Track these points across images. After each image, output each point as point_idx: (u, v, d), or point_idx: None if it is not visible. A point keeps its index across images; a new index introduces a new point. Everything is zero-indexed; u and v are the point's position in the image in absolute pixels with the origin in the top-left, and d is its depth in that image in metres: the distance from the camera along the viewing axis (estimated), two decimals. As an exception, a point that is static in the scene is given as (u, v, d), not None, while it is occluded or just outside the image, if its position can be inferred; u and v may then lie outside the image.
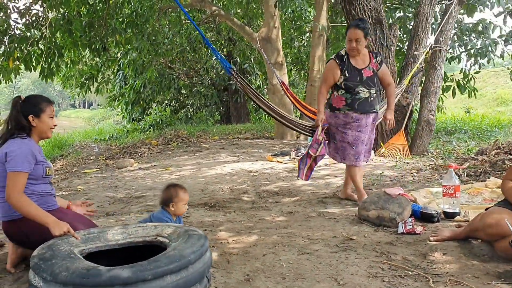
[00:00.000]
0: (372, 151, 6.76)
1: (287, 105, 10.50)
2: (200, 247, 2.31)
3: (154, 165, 7.58)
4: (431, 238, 3.00)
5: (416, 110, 7.58)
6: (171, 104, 18.66)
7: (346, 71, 3.95)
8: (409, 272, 2.50)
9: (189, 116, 18.00)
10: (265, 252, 2.91)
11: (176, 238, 2.47)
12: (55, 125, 2.78)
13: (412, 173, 5.34)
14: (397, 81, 6.77)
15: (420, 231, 3.18)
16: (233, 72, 4.16)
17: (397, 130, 7.17)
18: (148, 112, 17.67)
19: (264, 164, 6.84)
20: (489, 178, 4.52)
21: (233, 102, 17.41)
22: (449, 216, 3.55)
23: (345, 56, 3.99)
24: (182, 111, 18.04)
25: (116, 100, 17.58)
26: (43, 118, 2.71)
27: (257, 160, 7.21)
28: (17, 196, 2.50)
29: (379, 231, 3.33)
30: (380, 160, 6.47)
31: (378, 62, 4.06)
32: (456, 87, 9.33)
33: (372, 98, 4.01)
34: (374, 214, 3.47)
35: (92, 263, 2.22)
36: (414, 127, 7.27)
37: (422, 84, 7.27)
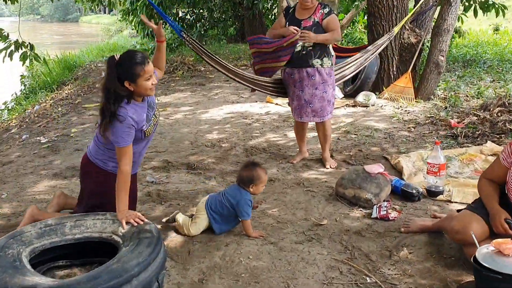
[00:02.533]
0: (374, 95, 6.46)
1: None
2: (147, 256, 2.25)
3: (153, 103, 7.43)
4: (402, 230, 2.89)
5: (427, 47, 7.08)
6: (186, 18, 17.98)
7: (287, 23, 3.93)
8: (367, 278, 2.43)
9: (202, 33, 17.40)
10: (229, 241, 2.86)
11: (128, 240, 2.42)
12: (154, 84, 2.70)
13: (409, 128, 5.10)
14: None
15: (394, 217, 3.06)
16: (184, 35, 3.86)
17: (404, 71, 6.78)
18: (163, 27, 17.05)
19: (263, 107, 6.63)
20: (486, 142, 4.27)
21: (248, 18, 16.67)
22: (432, 194, 3.41)
23: (292, 8, 4.00)
24: (194, 29, 17.40)
25: (130, 14, 17.01)
26: (140, 82, 2.62)
27: (256, 102, 6.99)
28: (129, 169, 2.63)
29: (353, 212, 3.23)
30: (381, 106, 6.19)
31: (325, 12, 3.86)
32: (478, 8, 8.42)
33: (304, 52, 3.88)
34: (350, 192, 3.34)
35: (35, 273, 2.21)
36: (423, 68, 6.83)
37: (434, 21, 6.71)
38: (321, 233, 2.93)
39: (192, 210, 3.24)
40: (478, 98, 6.42)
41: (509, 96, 4.92)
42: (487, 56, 10.32)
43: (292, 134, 5.18)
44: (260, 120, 5.91)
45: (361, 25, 14.67)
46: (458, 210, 2.67)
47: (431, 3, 7.10)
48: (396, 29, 5.87)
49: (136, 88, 2.60)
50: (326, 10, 3.86)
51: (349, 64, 4.78)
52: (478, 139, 4.40)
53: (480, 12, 8.23)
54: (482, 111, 4.91)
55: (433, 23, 6.88)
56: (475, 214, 2.43)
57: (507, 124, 4.34)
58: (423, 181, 3.70)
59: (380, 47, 5.36)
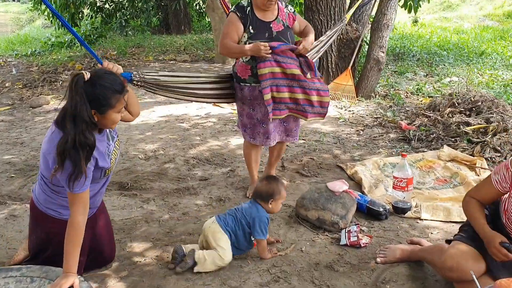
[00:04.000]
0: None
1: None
2: None
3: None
4: (379, 260, 2.56)
5: (366, 43, 6.92)
6: (105, 8, 16.76)
7: (250, 27, 3.05)
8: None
9: (123, 24, 16.34)
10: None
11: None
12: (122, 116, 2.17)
13: (358, 131, 4.84)
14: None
15: (366, 243, 2.73)
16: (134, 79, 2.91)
17: (344, 68, 6.55)
18: (79, 17, 15.78)
19: (200, 108, 6.11)
20: (442, 146, 4.10)
21: (172, 8, 15.87)
22: (399, 211, 3.12)
23: (248, 7, 3.07)
24: (115, 20, 16.28)
25: (41, 3, 15.49)
26: (110, 114, 2.03)
27: (192, 102, 6.43)
28: (82, 220, 2.06)
29: (319, 238, 2.86)
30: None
31: (291, 12, 3.22)
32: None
33: None
34: (314, 215, 2.97)
35: None
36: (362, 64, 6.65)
37: (374, 16, 6.54)
38: (287, 269, 2.53)
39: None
40: (418, 95, 6.37)
41: (455, 95, 4.81)
42: (415, 49, 10.50)
43: (236, 141, 4.74)
44: (199, 124, 5.40)
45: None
46: (447, 241, 2.37)
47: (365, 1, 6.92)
48: (348, 16, 5.54)
49: (102, 120, 2.04)
50: (291, 9, 3.24)
51: None
52: (433, 143, 4.22)
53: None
54: (431, 111, 4.76)
55: (371, 18, 6.73)
56: (470, 247, 2.13)
57: (461, 126, 4.19)
58: (385, 194, 3.43)
59: (333, 36, 4.97)
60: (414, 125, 4.62)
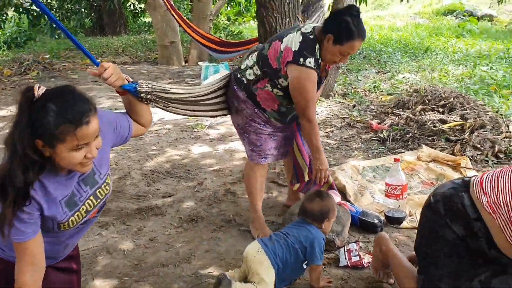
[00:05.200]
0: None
1: (172, 25, 8.97)
2: None
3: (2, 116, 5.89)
4: (391, 281, 2.25)
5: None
6: (31, 10, 15.55)
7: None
8: None
9: (54, 26, 15.21)
10: None
11: None
12: (90, 158, 1.49)
13: (327, 133, 4.56)
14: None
15: (368, 263, 2.42)
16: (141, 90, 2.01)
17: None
18: (4, 19, 14.49)
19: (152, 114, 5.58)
20: (420, 146, 3.89)
21: (105, 8, 14.99)
22: (395, 221, 2.84)
23: (320, 60, 2.43)
24: (43, 21, 15.12)
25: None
26: (61, 150, 1.44)
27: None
28: (28, 280, 1.51)
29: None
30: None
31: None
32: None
33: None
34: (306, 233, 2.61)
35: None
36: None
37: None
38: (288, 301, 2.17)
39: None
40: (376, 92, 6.22)
41: (423, 92, 4.65)
42: (362, 48, 10.50)
43: (198, 149, 4.31)
44: (153, 131, 4.89)
45: (224, 17, 14.15)
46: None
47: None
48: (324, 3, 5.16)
49: (55, 157, 1.46)
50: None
51: None
52: (409, 142, 4.01)
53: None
54: (400, 109, 4.57)
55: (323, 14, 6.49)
56: None
57: (436, 124, 4.01)
58: (372, 202, 3.15)
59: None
60: (385, 124, 4.40)
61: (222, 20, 13.64)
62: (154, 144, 4.48)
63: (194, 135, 4.74)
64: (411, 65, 8.18)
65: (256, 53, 2.59)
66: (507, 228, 1.62)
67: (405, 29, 14.55)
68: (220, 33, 11.52)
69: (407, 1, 9.62)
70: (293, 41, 2.39)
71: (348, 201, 3.14)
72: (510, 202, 1.61)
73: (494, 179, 1.71)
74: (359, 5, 7.79)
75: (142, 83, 1.97)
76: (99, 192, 1.67)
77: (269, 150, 2.71)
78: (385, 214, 2.88)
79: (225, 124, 5.02)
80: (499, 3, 18.58)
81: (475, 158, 3.65)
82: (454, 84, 6.44)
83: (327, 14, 4.59)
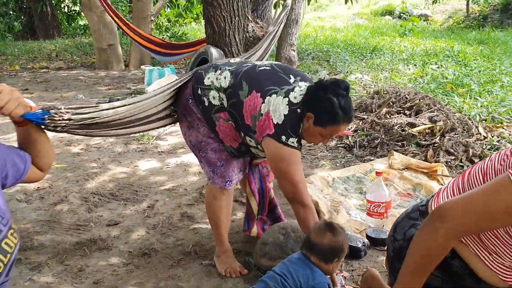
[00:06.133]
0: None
1: (110, 26, 8.34)
2: None
3: None
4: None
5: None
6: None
7: None
8: None
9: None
10: None
11: None
12: None
13: (289, 140, 4.20)
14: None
15: (359, 298, 2.07)
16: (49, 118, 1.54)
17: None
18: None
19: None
20: (389, 152, 3.62)
21: (37, 11, 13.94)
22: (379, 242, 2.51)
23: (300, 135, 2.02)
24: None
25: None
26: None
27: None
28: None
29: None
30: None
31: None
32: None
33: None
34: (283, 265, 2.22)
35: None
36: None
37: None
38: None
39: None
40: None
41: (384, 93, 4.40)
42: (307, 47, 10.32)
43: (146, 165, 3.82)
44: (93, 145, 4.33)
45: (164, 18, 13.58)
46: None
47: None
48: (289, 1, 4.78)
49: None
50: None
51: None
52: (378, 149, 3.73)
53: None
54: (363, 112, 4.29)
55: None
56: None
57: (405, 128, 3.75)
58: (349, 219, 2.81)
59: (281, 25, 4.17)
60: (350, 129, 4.11)
61: (162, 22, 13.04)
62: (94, 161, 3.93)
63: (141, 148, 4.24)
64: (360, 65, 8.05)
65: (227, 73, 2.10)
66: (481, 252, 1.29)
67: (347, 29, 14.63)
68: (163, 35, 10.94)
69: (351, 3, 9.53)
70: (277, 110, 1.94)
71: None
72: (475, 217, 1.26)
73: (450, 194, 1.39)
74: (308, 4, 7.57)
75: (55, 112, 1.48)
76: (6, 243, 1.21)
77: (233, 171, 2.27)
78: (367, 235, 2.55)
79: (175, 133, 4.54)
80: (433, 3, 19.24)
81: (449, 163, 3.42)
82: (408, 84, 6.32)
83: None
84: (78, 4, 11.52)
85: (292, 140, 1.94)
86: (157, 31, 10.74)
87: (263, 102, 1.97)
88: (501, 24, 15.36)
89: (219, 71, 2.14)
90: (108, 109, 1.85)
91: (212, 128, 2.16)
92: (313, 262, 1.81)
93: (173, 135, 4.57)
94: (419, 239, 1.29)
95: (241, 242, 2.60)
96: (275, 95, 1.97)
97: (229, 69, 2.13)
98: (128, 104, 1.98)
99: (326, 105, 1.89)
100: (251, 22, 6.01)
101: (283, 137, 1.93)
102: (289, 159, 1.97)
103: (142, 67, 7.31)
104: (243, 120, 2.05)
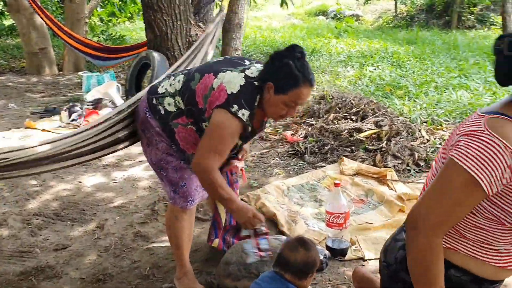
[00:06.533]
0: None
1: (41, 29, 7.88)
2: None
3: None
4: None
5: (217, 47, 6.27)
6: None
7: (242, 138, 2.01)
8: None
9: None
10: None
11: None
12: None
13: (240, 148, 4.16)
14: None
15: (327, 314, 2.06)
16: None
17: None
18: None
19: (23, 136, 4.68)
20: (339, 158, 3.67)
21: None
22: (339, 253, 2.53)
23: (254, 111, 1.89)
24: None
25: None
26: None
27: (9, 129, 4.95)
28: None
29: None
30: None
31: None
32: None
33: None
34: (248, 285, 2.17)
35: None
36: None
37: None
38: None
39: None
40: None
41: (329, 99, 4.47)
42: (247, 49, 10.33)
43: (92, 180, 3.63)
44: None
45: (96, 18, 13.09)
46: None
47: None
48: (225, 4, 4.67)
49: None
50: None
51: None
52: (328, 155, 3.77)
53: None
54: (311, 118, 4.34)
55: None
56: None
57: (353, 133, 3.83)
58: (308, 230, 2.81)
59: (217, 27, 4.05)
60: (300, 135, 4.13)
61: (94, 22, 12.50)
62: (34, 178, 3.68)
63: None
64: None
65: (180, 76, 2.03)
66: (471, 249, 1.32)
67: (283, 30, 14.81)
68: (98, 37, 10.49)
69: (287, 7, 9.62)
70: (232, 81, 1.86)
71: (282, 231, 2.77)
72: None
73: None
74: (250, 7, 7.55)
75: None
76: None
77: (195, 189, 2.19)
78: (327, 246, 2.56)
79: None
80: (365, 4, 19.94)
81: (397, 167, 3.53)
82: (349, 86, 6.48)
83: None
84: (1, 3, 10.73)
85: (243, 112, 1.83)
86: (92, 33, 10.28)
87: (216, 78, 1.90)
88: (426, 24, 16.20)
89: (172, 77, 2.09)
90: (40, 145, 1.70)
91: (172, 137, 2.05)
92: (288, 279, 1.78)
93: (117, 146, 4.37)
94: (410, 259, 1.30)
95: (200, 261, 2.52)
96: (230, 72, 1.91)
97: (183, 73, 2.08)
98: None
99: (284, 70, 1.83)
100: (194, 26, 5.92)
101: (235, 107, 1.83)
102: (229, 128, 1.85)
103: (80, 73, 6.97)
104: (197, 108, 1.94)
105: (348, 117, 4.10)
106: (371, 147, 3.72)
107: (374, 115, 4.03)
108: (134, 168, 3.83)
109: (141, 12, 6.83)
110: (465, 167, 1.17)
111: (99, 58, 6.70)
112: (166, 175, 2.14)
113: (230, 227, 2.49)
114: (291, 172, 3.63)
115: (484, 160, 1.16)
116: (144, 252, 2.64)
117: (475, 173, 1.16)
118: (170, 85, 2.04)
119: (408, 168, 3.55)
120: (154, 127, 2.07)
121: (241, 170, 2.39)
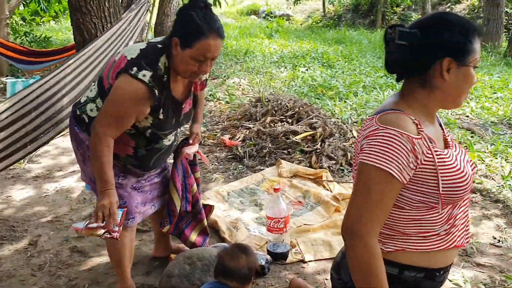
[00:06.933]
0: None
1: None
2: None
3: None
4: None
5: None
6: None
7: (161, 110, 1.90)
8: None
9: None
10: None
11: None
12: None
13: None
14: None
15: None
16: None
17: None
18: None
19: None
20: (277, 160, 3.75)
21: None
22: (280, 257, 2.59)
23: (166, 77, 1.85)
24: None
25: None
26: None
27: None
28: None
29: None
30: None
31: (206, 79, 2.18)
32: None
33: (174, 143, 2.21)
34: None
35: None
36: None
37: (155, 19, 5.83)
38: None
39: None
40: (213, 101, 5.99)
41: (265, 102, 4.55)
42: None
43: (21, 194, 3.46)
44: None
45: (18, 17, 12.42)
46: None
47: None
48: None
49: None
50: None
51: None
52: (267, 158, 3.83)
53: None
54: (249, 121, 4.38)
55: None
56: None
57: (289, 136, 3.92)
58: (249, 235, 2.85)
59: (138, 12, 3.90)
60: (238, 139, 4.17)
61: (16, 21, 11.79)
62: (-45, 194, 3.44)
63: (11, 174, 3.82)
64: (236, 69, 8.20)
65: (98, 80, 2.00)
66: (416, 244, 1.38)
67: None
68: (21, 39, 9.91)
69: (220, 6, 9.63)
70: (132, 48, 1.83)
71: (223, 239, 2.79)
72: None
73: None
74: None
75: None
76: None
77: (136, 207, 2.14)
78: (268, 250, 2.61)
79: (49, 155, 4.17)
80: (295, 4, 20.38)
81: (331, 168, 3.66)
82: (283, 88, 6.61)
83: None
84: None
85: (144, 73, 1.76)
86: (14, 35, 9.69)
87: (119, 53, 1.87)
88: (353, 24, 16.88)
89: (93, 83, 2.07)
90: None
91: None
92: (228, 286, 1.81)
93: (46, 156, 4.19)
94: (354, 268, 1.30)
95: (142, 274, 2.48)
96: (133, 45, 1.90)
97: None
98: None
99: (187, 22, 1.76)
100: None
101: (134, 69, 1.76)
102: (128, 91, 1.77)
103: (2, 79, 6.56)
104: (105, 92, 1.88)
105: (284, 119, 4.19)
106: (306, 149, 3.83)
107: (308, 117, 4.15)
108: (67, 179, 3.68)
109: (67, 11, 6.56)
110: (374, 164, 1.23)
111: (24, 62, 6.34)
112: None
113: (184, 213, 2.41)
114: (230, 176, 3.66)
115: (388, 152, 1.23)
116: (81, 268, 2.55)
117: (385, 166, 1.23)
118: (91, 90, 2.01)
119: (341, 168, 3.69)
120: (84, 141, 2.01)
121: (198, 152, 2.32)
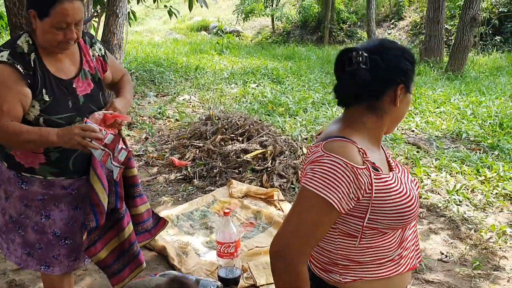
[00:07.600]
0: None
1: None
2: None
3: None
4: None
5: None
6: None
7: (44, 91, 1.75)
8: None
9: None
10: None
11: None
12: None
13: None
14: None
15: None
16: None
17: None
18: None
19: None
20: (228, 180, 3.69)
21: None
22: (232, 283, 2.52)
23: (33, 54, 1.74)
24: None
25: None
26: None
27: None
28: None
29: None
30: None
31: (101, 54, 1.95)
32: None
33: None
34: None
35: None
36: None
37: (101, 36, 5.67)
38: None
39: None
40: (163, 119, 5.88)
41: (215, 120, 4.50)
42: (128, 66, 10.00)
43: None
44: None
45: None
46: None
47: (89, 15, 5.94)
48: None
49: None
50: (99, 46, 1.96)
51: None
52: (217, 178, 3.77)
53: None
54: (198, 140, 4.30)
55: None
56: None
57: (240, 154, 3.87)
58: (199, 261, 2.77)
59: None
60: (188, 159, 4.08)
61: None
62: None
63: None
64: (186, 86, 8.11)
65: None
66: (369, 272, 1.36)
67: (166, 45, 14.63)
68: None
69: (176, 16, 9.48)
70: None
71: (172, 265, 2.70)
72: None
73: None
74: (130, 26, 7.35)
75: None
76: None
77: (53, 257, 1.89)
78: (219, 276, 2.54)
79: None
80: (244, 20, 20.57)
81: (282, 186, 3.65)
82: (234, 104, 6.59)
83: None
84: None
85: (2, 54, 1.67)
86: None
87: None
88: (301, 40, 17.21)
89: None
90: None
91: (15, 166, 1.82)
92: None
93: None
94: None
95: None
96: None
97: None
98: None
99: None
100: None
101: None
102: None
103: None
104: None
105: (234, 138, 4.15)
106: (257, 168, 3.80)
107: (259, 135, 4.13)
108: None
109: (9, 29, 6.26)
110: (314, 190, 1.21)
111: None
112: (23, 235, 1.87)
113: (120, 254, 2.07)
114: (180, 199, 3.56)
115: (330, 180, 1.21)
116: (19, 305, 2.38)
117: (324, 194, 1.21)
118: None
119: (292, 186, 3.69)
120: (5, 173, 1.85)
121: (117, 116, 1.79)
